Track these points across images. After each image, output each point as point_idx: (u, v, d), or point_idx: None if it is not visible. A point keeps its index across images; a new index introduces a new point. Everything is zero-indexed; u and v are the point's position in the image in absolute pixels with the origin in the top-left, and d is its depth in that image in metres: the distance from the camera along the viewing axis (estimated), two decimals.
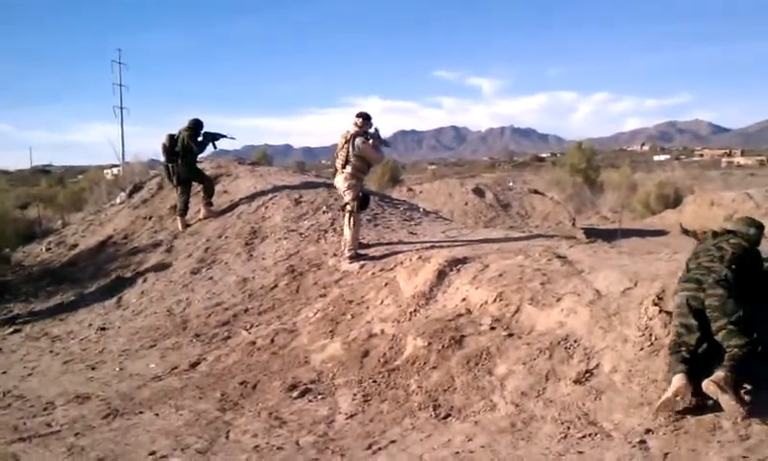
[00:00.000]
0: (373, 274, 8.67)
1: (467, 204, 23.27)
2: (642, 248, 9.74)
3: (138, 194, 14.65)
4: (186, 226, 12.06)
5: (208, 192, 12.33)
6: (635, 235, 18.86)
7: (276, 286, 9.29)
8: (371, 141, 9.16)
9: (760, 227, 5.70)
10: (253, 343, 7.79)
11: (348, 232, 9.26)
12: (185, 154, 12.05)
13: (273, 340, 7.73)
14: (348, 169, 9.13)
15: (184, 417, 6.12)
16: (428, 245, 9.28)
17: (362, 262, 9.09)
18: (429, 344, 6.37)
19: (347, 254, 9.28)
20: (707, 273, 5.12)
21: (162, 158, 12.22)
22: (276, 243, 10.51)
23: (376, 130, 9.27)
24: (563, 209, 23.84)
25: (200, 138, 12.21)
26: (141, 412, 6.39)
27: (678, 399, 4.77)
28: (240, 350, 7.71)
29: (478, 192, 24.21)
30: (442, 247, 9.01)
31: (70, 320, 10.12)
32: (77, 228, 14.21)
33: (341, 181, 9.24)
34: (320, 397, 6.22)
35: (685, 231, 6.46)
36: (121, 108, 49.09)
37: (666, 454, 4.42)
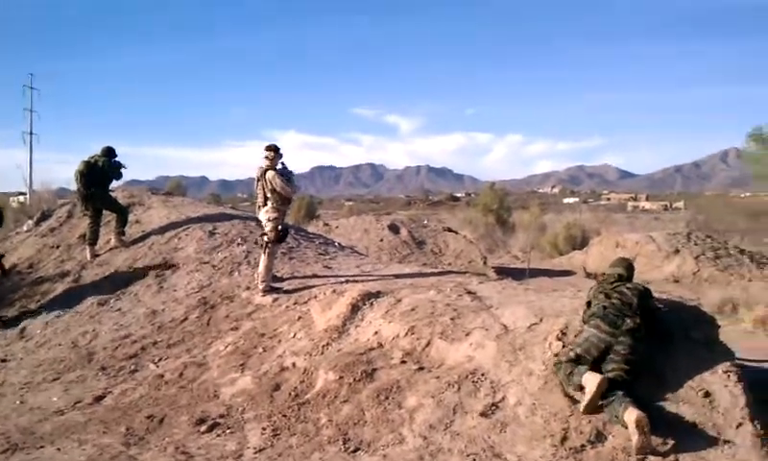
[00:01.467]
0: (287, 307, 8.65)
1: (382, 240, 23.39)
2: (548, 286, 10.01)
3: (46, 222, 14.20)
4: (95, 255, 11.75)
5: (122, 221, 12.07)
6: (542, 275, 19.39)
7: (186, 319, 9.15)
8: (285, 174, 9.17)
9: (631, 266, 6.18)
10: (161, 376, 7.64)
11: (262, 264, 9.22)
12: (102, 181, 11.78)
13: (181, 374, 7.60)
14: (269, 204, 9.12)
15: (87, 452, 5.91)
16: (343, 279, 9.32)
17: (275, 295, 9.06)
18: (341, 377, 6.39)
19: (260, 286, 9.23)
20: (620, 316, 5.38)
21: (76, 185, 11.85)
22: (189, 275, 10.36)
23: (283, 164, 9.28)
24: (475, 248, 24.23)
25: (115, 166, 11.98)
26: (42, 447, 6.15)
27: (599, 393, 5.00)
28: (147, 383, 7.53)
29: (393, 229, 24.39)
30: (356, 281, 9.06)
31: None
32: None
33: (263, 215, 9.21)
34: (228, 431, 6.13)
35: (588, 274, 6.79)
36: (31, 133, 47.57)
37: None
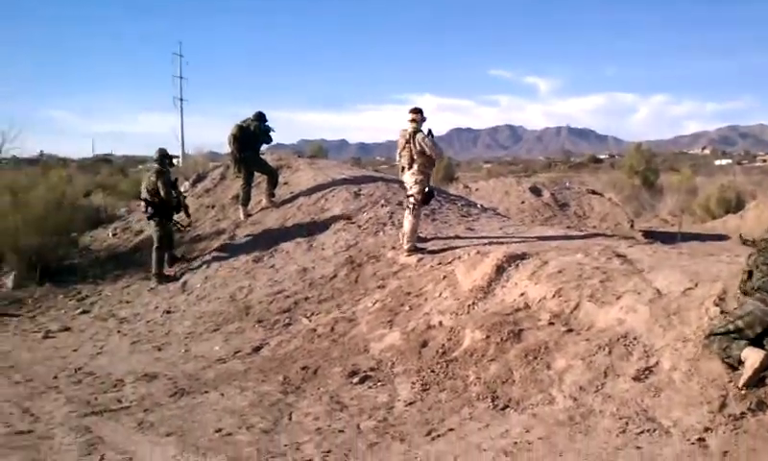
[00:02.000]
0: (431, 267, 8.79)
1: (523, 202, 23.11)
2: (702, 251, 9.62)
3: (201, 184, 15.03)
4: (248, 215, 12.34)
5: (272, 183, 12.60)
6: (694, 239, 18.57)
7: (335, 276, 9.49)
8: (429, 138, 9.24)
9: None
10: (314, 330, 7.99)
11: (407, 225, 9.39)
12: (253, 144, 12.31)
13: (333, 328, 7.91)
14: (415, 166, 9.25)
15: (248, 398, 6.33)
16: (486, 241, 9.37)
17: (420, 256, 9.22)
18: (488, 337, 6.47)
19: (405, 246, 9.41)
20: None
21: (229, 148, 12.44)
22: (336, 234, 10.71)
23: (429, 130, 9.34)
24: (621, 211, 23.51)
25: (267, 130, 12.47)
26: (206, 392, 6.64)
27: (762, 369, 4.84)
28: (301, 336, 7.92)
29: (535, 191, 24.03)
30: (500, 243, 9.09)
31: (136, 303, 10.49)
32: (141, 214, 14.63)
33: (408, 178, 9.36)
34: (379, 384, 6.37)
35: (745, 242, 6.46)
36: (181, 99, 50.14)
37: (725, 453, 4.45)
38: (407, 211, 9.43)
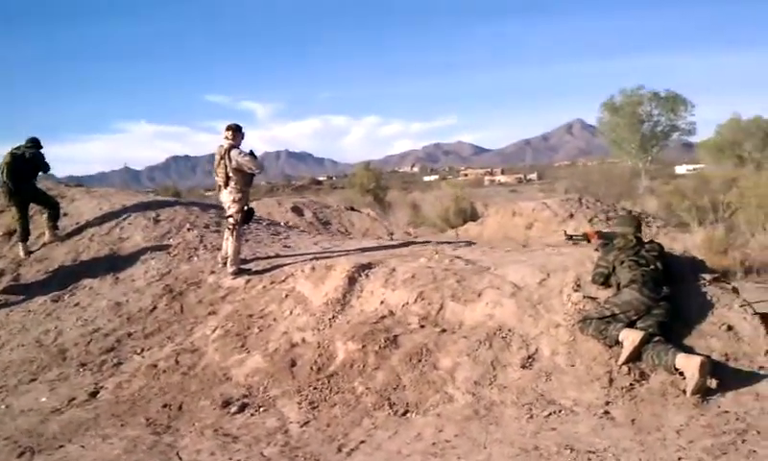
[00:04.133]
0: (265, 287, 8.56)
1: (288, 222, 23.26)
2: (499, 249, 10.33)
3: None
4: (29, 252, 11.10)
5: (54, 215, 11.41)
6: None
7: (155, 308, 8.86)
8: (247, 153, 9.00)
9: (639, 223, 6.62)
10: (155, 366, 7.39)
11: (230, 247, 9.05)
12: (29, 173, 11.11)
13: (177, 361, 7.39)
14: (232, 184, 8.94)
15: (118, 445, 5.73)
16: (310, 256, 9.32)
17: (247, 277, 8.94)
18: (363, 346, 6.47)
19: (229, 269, 9.06)
20: (658, 282, 5.81)
21: (1, 179, 11.06)
22: (144, 264, 10.00)
23: (251, 150, 9.10)
24: (380, 225, 24.48)
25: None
26: (61, 446, 5.89)
27: (640, 347, 5.34)
28: (142, 374, 7.28)
29: (297, 210, 24.26)
30: (325, 257, 9.09)
31: None
32: None
33: (226, 196, 9.02)
34: (261, 409, 6.10)
35: (570, 237, 7.18)
36: None
37: (633, 420, 4.90)
38: (227, 232, 9.10)
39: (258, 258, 9.67)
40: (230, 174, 8.92)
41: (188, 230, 10.87)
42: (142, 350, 7.93)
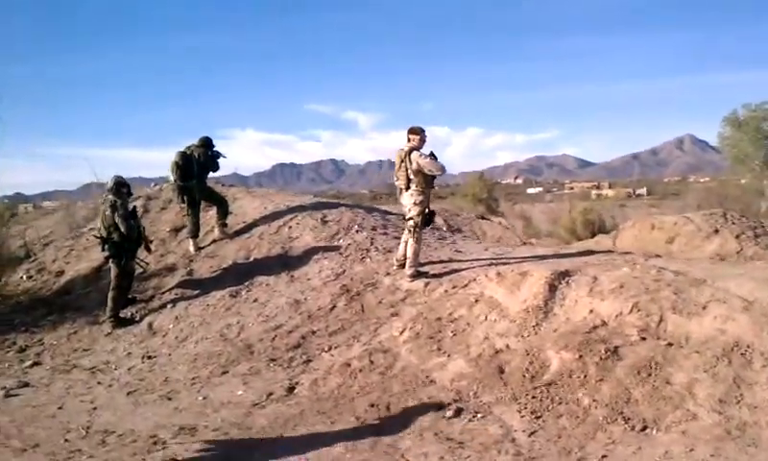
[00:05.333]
0: (446, 291, 8.37)
1: None
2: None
3: None
4: (199, 248, 11.34)
5: (223, 212, 11.66)
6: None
7: (334, 307, 8.82)
8: (427, 155, 8.87)
9: None
10: (348, 365, 7.29)
11: (409, 249, 8.92)
12: (199, 172, 11.38)
13: (371, 361, 7.26)
14: (413, 186, 8.83)
15: (335, 441, 5.62)
16: (484, 262, 9.10)
17: (425, 280, 8.78)
18: (580, 356, 6.14)
19: (408, 271, 8.94)
20: None
21: (172, 177, 11.40)
22: (317, 263, 10.02)
23: (431, 152, 8.96)
24: (512, 233, 24.09)
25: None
26: (280, 436, 5.85)
27: None
28: (336, 372, 7.19)
29: None
30: (502, 263, 8.85)
31: (96, 349, 9.26)
32: (56, 253, 13.09)
33: (407, 199, 8.91)
34: (479, 415, 5.85)
35: None
36: None
37: None
38: (406, 234, 8.98)
39: (432, 262, 9.50)
40: (411, 176, 8.81)
41: (357, 231, 10.85)
42: (330, 348, 7.87)
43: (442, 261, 9.58)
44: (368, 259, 9.91)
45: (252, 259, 10.62)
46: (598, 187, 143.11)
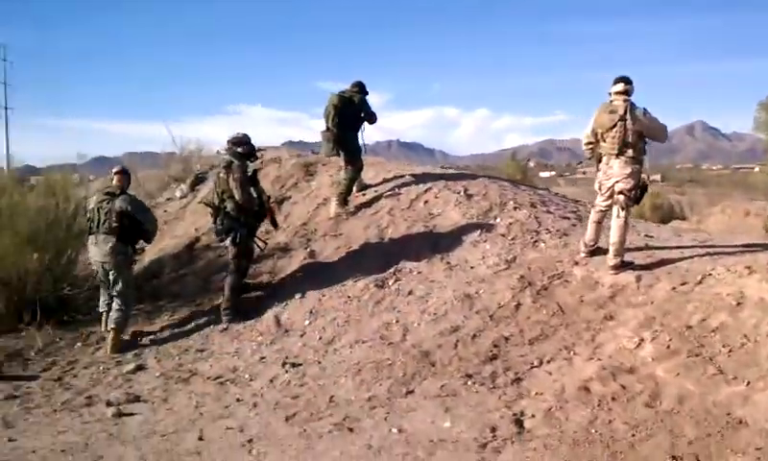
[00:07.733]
0: (675, 289, 6.44)
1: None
2: None
3: (202, 186, 11.88)
4: (338, 215, 9.34)
5: (352, 180, 9.58)
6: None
7: (519, 305, 6.91)
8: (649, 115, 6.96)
9: None
10: (586, 390, 5.39)
11: (617, 233, 7.01)
12: (356, 121, 9.48)
13: (622, 386, 5.34)
14: (630, 152, 6.91)
15: None
16: (701, 251, 7.23)
17: (636, 273, 6.88)
18: None
19: (612, 261, 7.03)
20: None
21: (326, 124, 9.42)
22: (476, 247, 8.12)
23: (644, 108, 7.05)
24: None
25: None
26: None
27: None
28: (574, 399, 5.28)
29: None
30: (730, 253, 6.99)
31: (214, 350, 7.41)
32: None
33: (617, 167, 6.98)
34: None
35: None
36: (6, 108, 44.01)
37: None
38: (617, 210, 7.05)
39: (628, 249, 7.55)
40: (629, 139, 6.87)
41: (515, 208, 8.90)
42: (541, 361, 5.97)
43: (639, 249, 7.66)
44: (541, 244, 7.99)
45: (387, 240, 8.69)
46: None
